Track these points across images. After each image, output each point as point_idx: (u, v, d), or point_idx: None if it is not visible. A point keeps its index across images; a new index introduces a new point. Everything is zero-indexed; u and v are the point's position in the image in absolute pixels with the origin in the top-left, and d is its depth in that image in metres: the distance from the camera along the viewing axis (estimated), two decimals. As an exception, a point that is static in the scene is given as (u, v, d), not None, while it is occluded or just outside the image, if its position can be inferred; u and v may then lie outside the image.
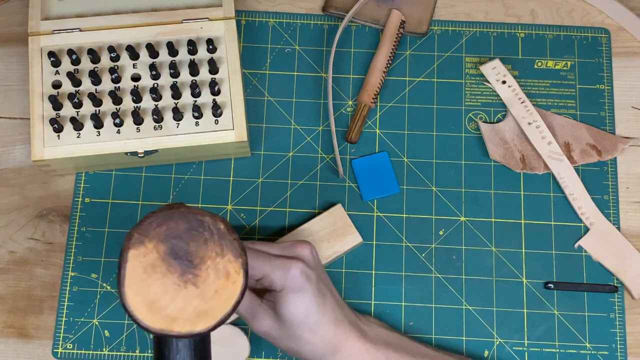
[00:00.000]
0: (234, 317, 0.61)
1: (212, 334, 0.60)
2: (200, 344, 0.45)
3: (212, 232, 0.45)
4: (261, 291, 0.57)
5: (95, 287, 0.64)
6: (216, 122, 0.63)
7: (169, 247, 0.44)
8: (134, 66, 0.64)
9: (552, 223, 0.66)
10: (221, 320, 0.43)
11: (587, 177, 0.67)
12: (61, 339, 0.63)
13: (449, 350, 0.63)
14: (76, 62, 0.64)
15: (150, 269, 0.44)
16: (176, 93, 0.63)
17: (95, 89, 0.64)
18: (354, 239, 0.64)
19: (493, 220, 0.66)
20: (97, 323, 0.64)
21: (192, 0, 0.66)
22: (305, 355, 0.55)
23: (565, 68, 0.71)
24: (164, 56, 0.65)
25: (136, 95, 0.63)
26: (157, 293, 0.44)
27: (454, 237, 0.66)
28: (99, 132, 0.63)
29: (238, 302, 0.44)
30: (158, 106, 0.63)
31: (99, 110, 0.63)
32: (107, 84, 0.64)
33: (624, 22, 0.72)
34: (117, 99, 0.63)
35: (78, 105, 0.63)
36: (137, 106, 0.63)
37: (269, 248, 0.56)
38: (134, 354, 0.63)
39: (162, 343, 0.45)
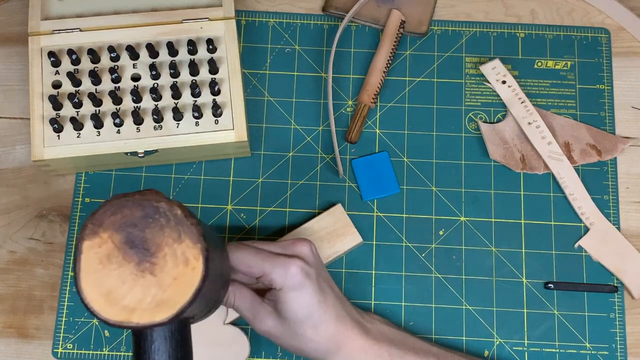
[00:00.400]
0: (234, 316, 0.61)
1: (212, 333, 0.60)
2: (177, 333, 0.44)
3: (168, 218, 0.43)
4: (262, 291, 0.57)
5: (95, 287, 0.64)
6: (216, 122, 0.63)
7: (125, 236, 0.43)
8: (134, 66, 0.64)
9: (552, 223, 0.66)
10: (182, 309, 0.42)
11: (587, 177, 0.67)
12: (61, 339, 0.63)
13: (449, 350, 0.63)
14: (76, 62, 0.64)
15: (105, 259, 0.43)
16: (176, 93, 0.63)
17: (95, 89, 0.64)
18: (354, 239, 0.64)
19: (493, 220, 0.66)
20: (97, 323, 0.64)
21: (192, 0, 0.66)
22: (308, 353, 0.55)
23: (565, 68, 0.71)
24: (164, 56, 0.65)
25: (136, 95, 0.63)
26: (114, 284, 0.42)
27: (454, 237, 0.66)
28: (99, 132, 0.63)
29: (199, 290, 0.42)
30: (158, 106, 0.63)
31: (99, 110, 0.63)
32: (107, 84, 0.64)
33: (624, 22, 0.72)
34: (117, 99, 0.63)
35: (78, 105, 0.63)
36: (137, 106, 0.63)
37: (268, 247, 0.56)
38: (134, 354, 0.63)
39: (137, 334, 0.44)
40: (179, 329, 0.44)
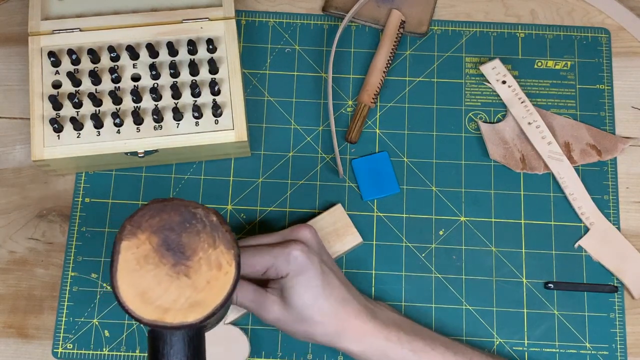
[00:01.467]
0: (238, 314, 0.61)
1: (212, 333, 0.60)
2: (195, 339, 0.45)
3: (204, 224, 0.45)
4: (264, 281, 0.57)
5: (95, 287, 0.64)
6: (216, 122, 0.63)
7: (162, 238, 0.45)
8: (134, 66, 0.64)
9: (552, 223, 0.66)
10: (213, 311, 0.43)
11: (587, 177, 0.67)
12: (61, 339, 0.63)
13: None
14: (76, 62, 0.64)
15: (142, 260, 0.44)
16: (176, 93, 0.63)
17: (95, 89, 0.64)
18: (354, 239, 0.64)
19: (493, 220, 0.66)
20: (97, 323, 0.64)
21: (192, 0, 0.66)
22: (317, 336, 0.55)
23: (565, 68, 0.71)
24: (164, 56, 0.65)
25: (136, 95, 0.63)
26: (149, 284, 0.44)
27: (454, 237, 0.66)
28: (99, 132, 0.63)
29: (230, 293, 0.44)
30: (158, 106, 0.63)
31: (99, 110, 0.63)
32: (107, 84, 0.64)
33: (624, 22, 0.72)
34: (117, 99, 0.63)
35: (78, 105, 0.63)
36: (137, 106, 0.63)
37: (269, 238, 0.56)
38: (134, 354, 0.63)
39: (156, 338, 0.45)
40: (196, 335, 0.46)
